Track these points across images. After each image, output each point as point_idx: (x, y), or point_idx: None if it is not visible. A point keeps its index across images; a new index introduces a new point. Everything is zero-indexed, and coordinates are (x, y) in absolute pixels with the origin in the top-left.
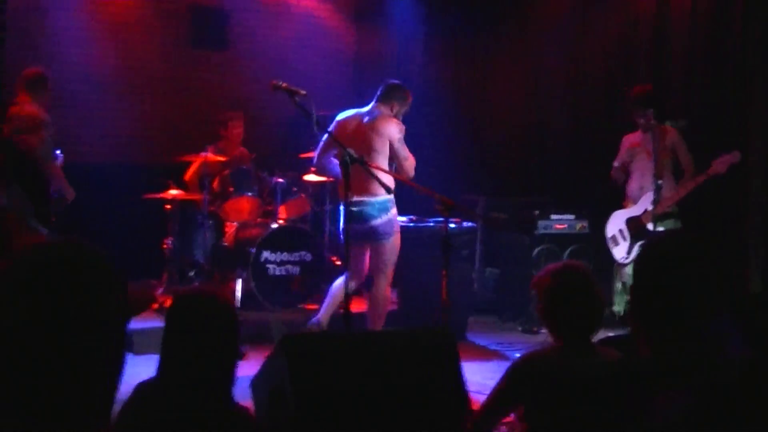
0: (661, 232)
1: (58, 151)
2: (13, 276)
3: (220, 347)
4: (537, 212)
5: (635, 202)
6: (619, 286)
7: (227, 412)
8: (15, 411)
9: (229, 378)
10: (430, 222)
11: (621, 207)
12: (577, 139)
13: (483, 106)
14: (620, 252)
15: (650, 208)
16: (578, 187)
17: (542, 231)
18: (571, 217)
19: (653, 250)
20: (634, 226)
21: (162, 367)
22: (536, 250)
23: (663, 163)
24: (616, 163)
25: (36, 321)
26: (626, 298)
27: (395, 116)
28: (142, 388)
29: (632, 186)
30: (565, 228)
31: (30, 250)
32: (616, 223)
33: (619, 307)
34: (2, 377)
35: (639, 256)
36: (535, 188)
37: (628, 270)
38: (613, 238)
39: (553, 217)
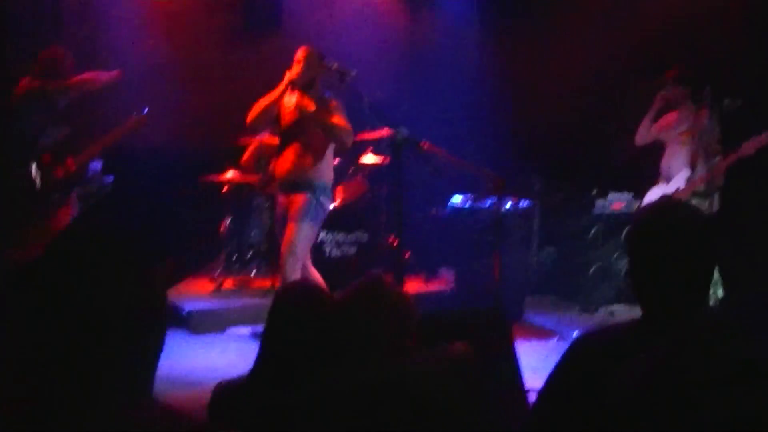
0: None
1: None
2: (46, 266)
3: (320, 343)
4: (594, 191)
5: (667, 179)
6: None
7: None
8: (53, 387)
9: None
10: (485, 203)
11: (655, 184)
12: (636, 119)
13: (539, 86)
14: None
15: (682, 186)
16: (635, 167)
17: (599, 210)
18: (629, 196)
19: (641, 220)
20: None
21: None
22: (593, 230)
23: (696, 144)
24: (646, 122)
25: (66, 304)
26: None
27: None
28: (225, 389)
29: (663, 164)
30: (622, 207)
31: (58, 239)
32: (651, 201)
33: None
34: (39, 357)
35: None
36: (593, 168)
37: None
38: None
39: (611, 196)
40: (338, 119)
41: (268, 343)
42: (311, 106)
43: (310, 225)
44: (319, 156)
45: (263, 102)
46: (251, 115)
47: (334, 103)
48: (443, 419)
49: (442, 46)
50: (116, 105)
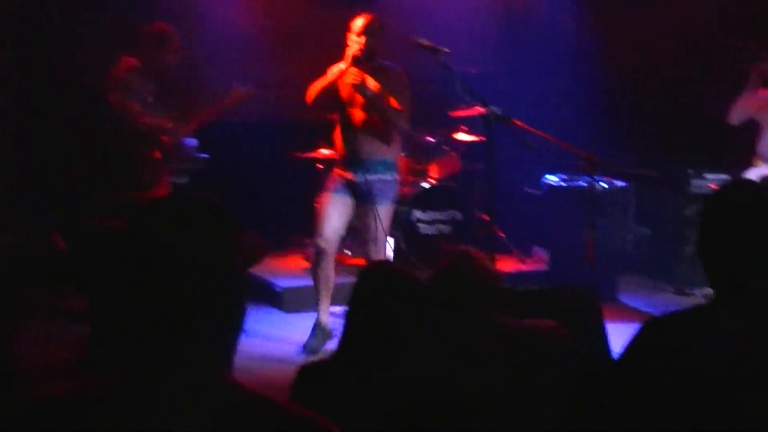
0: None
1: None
2: (132, 230)
3: (405, 323)
4: (690, 171)
5: (765, 160)
6: None
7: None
8: (132, 360)
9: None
10: (581, 181)
11: (750, 165)
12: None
13: (636, 62)
14: None
15: None
16: (733, 147)
17: (695, 190)
18: (726, 177)
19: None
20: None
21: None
22: (689, 210)
23: None
24: (743, 100)
25: (147, 270)
26: None
27: None
28: (309, 369)
29: (762, 143)
30: None
31: (150, 203)
32: None
33: None
34: (121, 327)
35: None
36: (690, 146)
37: None
38: None
39: (708, 176)
40: (394, 100)
41: (351, 324)
42: (370, 84)
43: (390, 206)
44: (385, 133)
45: (323, 81)
46: (310, 96)
47: (396, 75)
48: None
49: (537, 22)
50: (206, 80)
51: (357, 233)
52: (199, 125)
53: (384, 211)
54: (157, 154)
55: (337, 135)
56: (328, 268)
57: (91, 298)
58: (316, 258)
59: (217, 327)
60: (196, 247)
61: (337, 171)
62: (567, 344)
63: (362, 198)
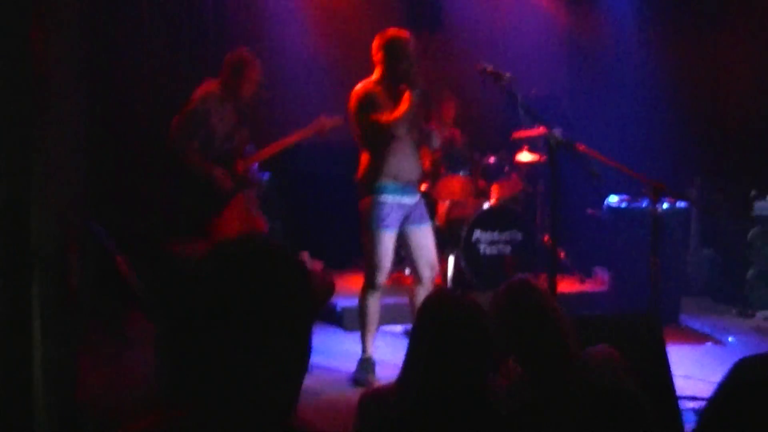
0: None
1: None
2: (210, 266)
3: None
4: (753, 192)
5: None
6: None
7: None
8: (203, 397)
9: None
10: (642, 202)
11: None
12: None
13: (697, 84)
14: None
15: None
16: None
17: (759, 212)
18: None
19: None
20: None
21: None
22: (752, 232)
23: None
24: None
25: (224, 309)
26: None
27: None
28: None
29: None
30: None
31: (227, 243)
32: None
33: None
34: (194, 363)
35: None
36: (753, 168)
37: None
38: None
39: None
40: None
41: (413, 351)
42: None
43: (431, 223)
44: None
45: (404, 109)
46: (402, 123)
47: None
48: None
49: (601, 44)
50: (288, 107)
51: (407, 256)
52: (275, 152)
53: (430, 229)
54: (229, 181)
55: (383, 160)
56: (378, 302)
57: (164, 329)
58: (372, 292)
59: (288, 369)
60: (273, 291)
61: (386, 199)
62: (620, 370)
63: (412, 220)
